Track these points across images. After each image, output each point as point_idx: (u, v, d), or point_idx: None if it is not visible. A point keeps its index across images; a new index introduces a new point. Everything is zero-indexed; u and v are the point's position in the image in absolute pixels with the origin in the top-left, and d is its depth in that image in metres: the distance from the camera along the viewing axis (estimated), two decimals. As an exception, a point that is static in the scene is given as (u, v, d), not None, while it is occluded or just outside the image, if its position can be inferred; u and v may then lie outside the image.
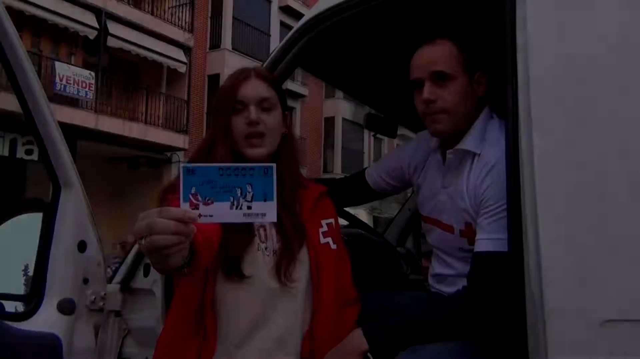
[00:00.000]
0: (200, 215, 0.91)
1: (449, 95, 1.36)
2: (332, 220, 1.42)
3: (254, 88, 1.33)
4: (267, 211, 0.93)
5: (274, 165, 0.94)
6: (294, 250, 1.29)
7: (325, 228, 1.38)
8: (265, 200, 0.92)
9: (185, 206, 0.90)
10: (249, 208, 0.92)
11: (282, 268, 1.27)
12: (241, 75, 1.35)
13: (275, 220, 0.94)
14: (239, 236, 1.26)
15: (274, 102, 1.35)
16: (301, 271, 1.30)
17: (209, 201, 0.91)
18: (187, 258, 0.97)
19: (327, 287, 1.32)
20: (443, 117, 1.37)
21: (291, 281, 1.28)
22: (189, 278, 1.24)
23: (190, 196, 0.91)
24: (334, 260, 1.36)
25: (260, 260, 1.28)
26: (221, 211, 0.91)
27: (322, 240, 1.36)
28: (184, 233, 0.88)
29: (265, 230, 1.32)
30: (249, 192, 0.92)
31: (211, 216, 0.91)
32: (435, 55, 1.38)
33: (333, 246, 1.37)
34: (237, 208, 0.92)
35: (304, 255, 1.32)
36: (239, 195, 0.92)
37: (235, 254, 1.24)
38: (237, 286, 1.26)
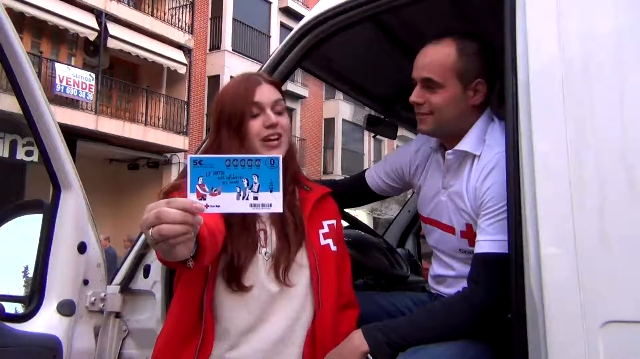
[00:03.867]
0: (207, 205, 0.92)
1: (436, 100, 1.37)
2: (333, 221, 1.42)
3: (269, 92, 1.35)
4: (273, 202, 0.94)
5: (280, 156, 0.95)
6: (291, 251, 1.30)
7: (326, 229, 1.38)
8: (271, 191, 0.94)
9: (192, 196, 0.92)
10: (255, 198, 0.94)
11: (280, 269, 1.27)
12: (253, 82, 1.35)
13: (281, 210, 0.96)
14: (243, 244, 1.26)
15: (284, 105, 1.38)
16: (301, 275, 1.30)
17: (216, 192, 0.93)
18: (193, 251, 0.98)
19: (329, 290, 1.32)
20: (428, 117, 1.40)
21: (290, 284, 1.28)
22: (190, 278, 1.25)
23: (197, 186, 0.93)
24: (335, 262, 1.36)
25: (260, 265, 1.28)
26: (228, 202, 0.93)
27: (323, 242, 1.36)
28: (191, 224, 0.90)
29: (265, 233, 1.32)
30: (255, 183, 0.94)
31: (218, 206, 0.93)
32: (430, 60, 1.38)
33: (333, 248, 1.37)
34: (243, 198, 0.93)
35: (303, 258, 1.32)
36: (245, 185, 0.93)
37: (239, 266, 1.25)
38: (237, 291, 1.26)
